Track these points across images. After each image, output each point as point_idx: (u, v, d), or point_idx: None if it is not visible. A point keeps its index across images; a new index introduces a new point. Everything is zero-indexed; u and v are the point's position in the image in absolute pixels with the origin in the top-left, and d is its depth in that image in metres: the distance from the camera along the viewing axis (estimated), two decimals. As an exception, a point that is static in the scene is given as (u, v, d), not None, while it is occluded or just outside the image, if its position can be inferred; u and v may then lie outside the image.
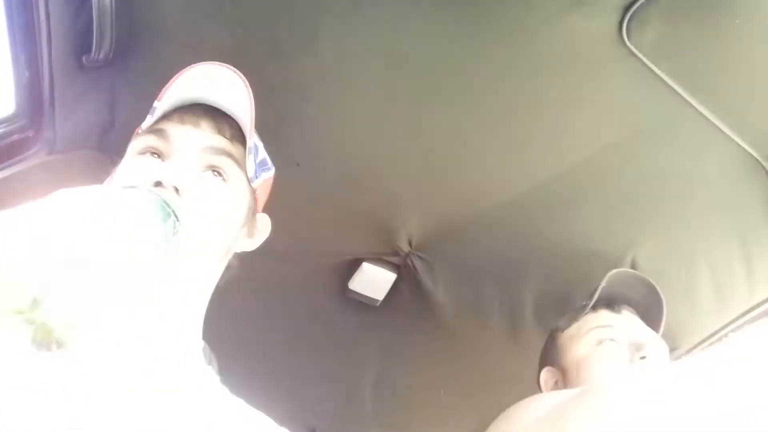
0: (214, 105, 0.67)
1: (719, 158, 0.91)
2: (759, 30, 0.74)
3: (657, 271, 1.06)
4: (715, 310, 1.09)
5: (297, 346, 1.35)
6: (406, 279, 1.22)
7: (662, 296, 1.02)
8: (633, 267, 1.07)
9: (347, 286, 1.26)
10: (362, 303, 1.28)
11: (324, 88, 0.91)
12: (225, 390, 0.64)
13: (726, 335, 1.10)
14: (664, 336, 1.04)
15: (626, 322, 0.98)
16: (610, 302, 1.01)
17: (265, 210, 0.79)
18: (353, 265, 1.23)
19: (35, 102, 0.84)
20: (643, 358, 0.89)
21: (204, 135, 0.64)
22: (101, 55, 0.82)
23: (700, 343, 1.13)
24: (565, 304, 1.12)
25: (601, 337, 0.95)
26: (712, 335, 1.12)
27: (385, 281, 1.24)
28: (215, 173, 0.64)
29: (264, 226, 0.75)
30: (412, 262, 1.18)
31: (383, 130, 0.96)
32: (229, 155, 0.65)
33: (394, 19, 0.81)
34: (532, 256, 1.11)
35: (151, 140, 0.63)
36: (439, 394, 1.42)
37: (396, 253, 1.19)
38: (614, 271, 1.01)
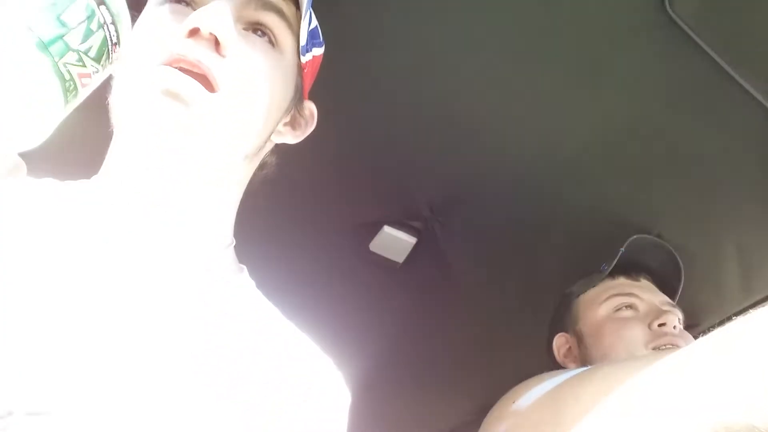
0: None
1: (758, 134, 0.86)
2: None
3: (682, 246, 1.04)
4: (739, 291, 1.07)
5: (317, 304, 1.38)
6: (426, 243, 1.23)
7: (681, 265, 1.01)
8: (658, 239, 1.05)
9: (368, 248, 1.27)
10: (382, 265, 1.29)
11: (346, 55, 0.89)
12: (262, 297, 0.56)
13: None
14: (685, 312, 1.04)
15: (645, 290, 0.97)
16: (627, 269, 1.00)
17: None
18: (374, 228, 1.24)
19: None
20: (662, 325, 0.89)
21: None
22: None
23: (720, 323, 1.12)
24: (585, 272, 1.12)
25: (620, 304, 0.94)
26: (734, 315, 1.10)
27: (406, 245, 1.24)
28: (262, 34, 0.50)
29: (310, 117, 0.61)
30: (432, 227, 1.18)
31: (406, 95, 0.94)
32: (280, 13, 0.50)
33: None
34: (554, 224, 1.09)
35: None
36: (455, 355, 1.44)
37: (417, 218, 1.19)
38: (635, 236, 0.99)
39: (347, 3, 0.80)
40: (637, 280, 0.99)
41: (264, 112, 0.50)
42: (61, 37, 0.35)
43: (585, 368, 0.73)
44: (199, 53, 0.44)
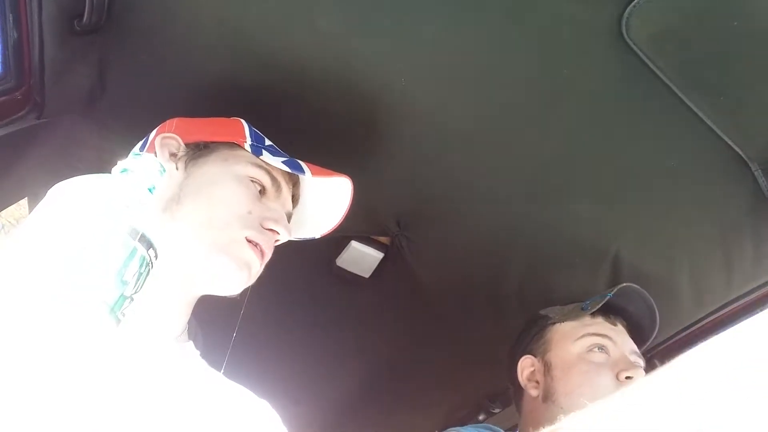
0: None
1: (707, 156, 0.91)
2: (756, 32, 0.74)
3: (638, 262, 1.09)
4: (692, 305, 1.11)
5: (283, 320, 1.37)
6: (393, 258, 1.24)
7: (657, 320, 1.03)
8: (616, 257, 1.09)
9: (335, 263, 1.27)
10: (349, 280, 1.29)
11: (320, 65, 0.90)
12: (204, 363, 0.65)
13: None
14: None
15: (619, 334, 0.99)
16: (607, 311, 1.02)
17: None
18: (341, 243, 1.24)
19: (23, 64, 0.82)
20: (628, 378, 0.91)
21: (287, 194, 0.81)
22: (93, 20, 0.80)
23: (674, 336, 1.16)
24: (548, 291, 1.14)
25: (595, 344, 0.96)
26: (687, 328, 1.15)
27: (373, 260, 1.25)
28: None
29: None
30: (399, 242, 1.19)
31: (375, 112, 0.95)
32: (295, 200, 0.85)
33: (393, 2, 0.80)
34: (518, 243, 1.12)
35: (262, 175, 0.76)
36: (422, 370, 1.44)
37: (384, 233, 1.20)
38: (624, 284, 1.02)
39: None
40: (615, 324, 1.01)
41: None
42: (122, 294, 0.38)
43: None
44: (266, 242, 0.73)
